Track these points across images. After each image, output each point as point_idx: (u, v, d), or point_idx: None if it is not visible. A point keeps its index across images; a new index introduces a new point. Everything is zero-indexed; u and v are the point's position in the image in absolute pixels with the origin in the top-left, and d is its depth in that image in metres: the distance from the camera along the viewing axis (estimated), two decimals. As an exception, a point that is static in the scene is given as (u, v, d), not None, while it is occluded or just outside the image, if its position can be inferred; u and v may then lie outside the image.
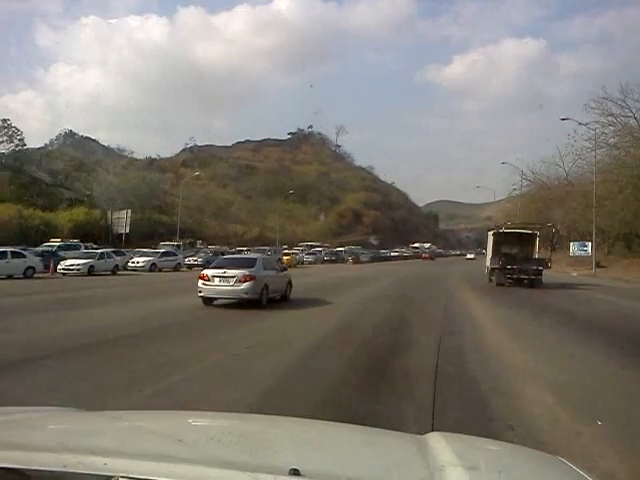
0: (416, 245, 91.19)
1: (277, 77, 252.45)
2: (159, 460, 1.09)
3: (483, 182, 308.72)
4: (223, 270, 12.69)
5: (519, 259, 22.57)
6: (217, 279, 12.58)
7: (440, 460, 1.22)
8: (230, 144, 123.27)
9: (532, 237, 23.53)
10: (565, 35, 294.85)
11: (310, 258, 48.63)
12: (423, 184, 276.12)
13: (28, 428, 1.49)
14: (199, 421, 1.84)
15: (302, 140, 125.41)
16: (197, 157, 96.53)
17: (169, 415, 2.18)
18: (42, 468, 1.07)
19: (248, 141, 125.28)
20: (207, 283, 12.63)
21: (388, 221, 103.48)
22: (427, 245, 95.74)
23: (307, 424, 1.89)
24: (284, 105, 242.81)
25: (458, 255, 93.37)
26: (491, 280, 22.68)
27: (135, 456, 1.15)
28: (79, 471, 1.04)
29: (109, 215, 43.70)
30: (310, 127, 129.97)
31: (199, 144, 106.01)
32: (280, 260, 31.95)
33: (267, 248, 41.02)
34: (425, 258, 72.81)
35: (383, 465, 1.26)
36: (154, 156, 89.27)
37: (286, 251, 45.09)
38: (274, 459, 1.23)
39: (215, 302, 12.90)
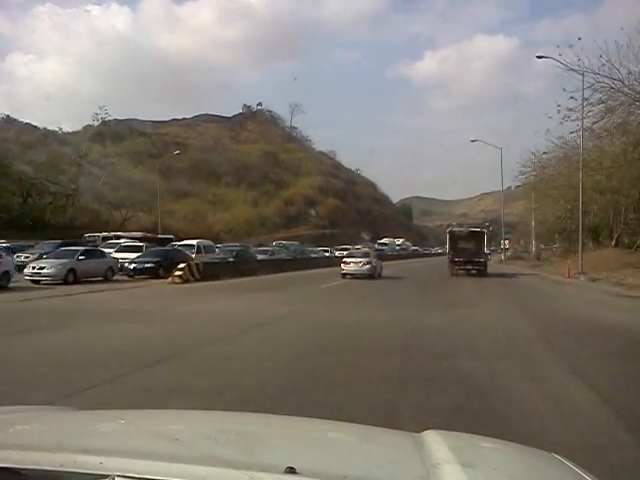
0: (384, 241, 66.09)
1: (245, 70, 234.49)
2: (155, 459, 1.10)
3: (457, 178, 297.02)
4: (354, 258, 23.66)
5: (468, 253, 26.26)
6: (352, 263, 23.14)
7: (436, 458, 1.23)
8: (165, 119, 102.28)
9: (481, 234, 27.25)
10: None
11: (50, 269, 18.84)
12: (394, 181, 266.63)
13: (23, 427, 1.49)
14: (195, 420, 1.81)
15: (248, 118, 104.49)
16: (112, 131, 76.74)
17: (165, 414, 2.18)
18: (38, 467, 1.06)
19: (185, 119, 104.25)
20: (346, 266, 23.11)
21: (352, 212, 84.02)
22: (399, 241, 73.77)
23: (303, 422, 1.92)
24: (251, 99, 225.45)
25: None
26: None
27: (131, 455, 1.14)
28: (75, 470, 1.04)
29: None
30: (259, 104, 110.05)
31: (120, 117, 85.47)
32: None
33: None
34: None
35: (379, 463, 1.26)
36: (53, 128, 67.76)
37: None
38: (270, 457, 1.24)
39: (347, 277, 22.83)
